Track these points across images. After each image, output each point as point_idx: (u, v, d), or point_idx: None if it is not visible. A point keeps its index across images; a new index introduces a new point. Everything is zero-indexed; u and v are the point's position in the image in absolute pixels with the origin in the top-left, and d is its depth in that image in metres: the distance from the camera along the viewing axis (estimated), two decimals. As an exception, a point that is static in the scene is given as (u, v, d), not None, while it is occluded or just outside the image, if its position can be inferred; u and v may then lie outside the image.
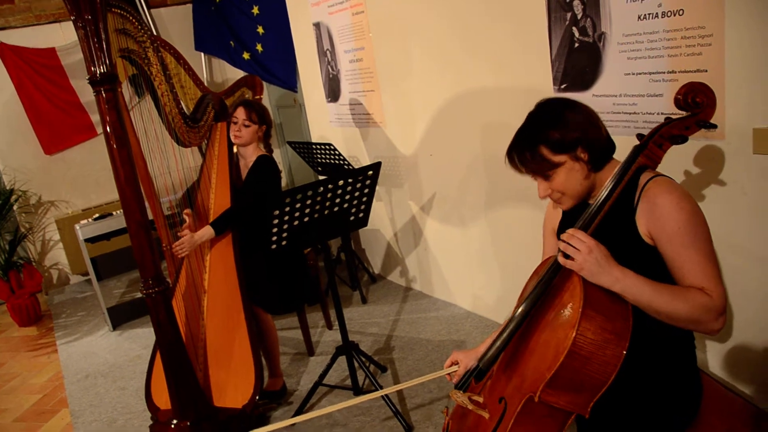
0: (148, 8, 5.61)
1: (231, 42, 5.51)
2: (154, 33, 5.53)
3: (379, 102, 3.78)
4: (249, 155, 3.12)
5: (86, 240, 4.23)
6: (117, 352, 4.02)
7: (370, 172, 2.52)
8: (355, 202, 2.56)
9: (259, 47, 5.27)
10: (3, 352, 4.51)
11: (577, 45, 2.41)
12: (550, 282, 1.41)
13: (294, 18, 4.42)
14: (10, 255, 4.85)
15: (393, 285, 4.23)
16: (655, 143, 1.39)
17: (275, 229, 2.35)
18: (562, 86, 2.53)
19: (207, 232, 2.87)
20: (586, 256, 1.30)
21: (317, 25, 4.14)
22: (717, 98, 1.39)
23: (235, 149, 3.16)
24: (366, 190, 2.56)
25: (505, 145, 1.50)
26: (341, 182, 2.43)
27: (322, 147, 3.73)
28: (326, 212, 2.49)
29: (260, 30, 5.19)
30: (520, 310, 1.43)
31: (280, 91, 5.59)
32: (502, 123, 2.87)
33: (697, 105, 1.36)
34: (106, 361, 3.91)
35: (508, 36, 2.74)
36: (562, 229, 1.59)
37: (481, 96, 3.00)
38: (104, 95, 2.02)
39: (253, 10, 5.17)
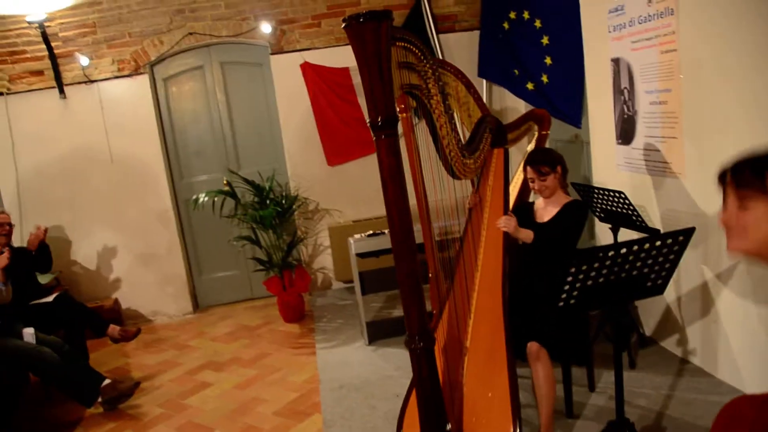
0: (437, 33, 5.77)
1: (515, 70, 5.43)
2: (440, 58, 5.66)
3: (681, 151, 3.39)
4: (556, 203, 3.12)
5: (357, 254, 4.44)
6: (370, 368, 4.14)
7: (681, 238, 2.22)
8: (656, 267, 2.27)
9: (544, 78, 5.12)
10: (269, 343, 4.93)
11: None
12: None
13: (590, 51, 4.19)
14: (287, 255, 5.31)
15: (667, 353, 3.78)
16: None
17: (567, 286, 2.17)
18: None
19: (528, 235, 2.98)
20: None
21: (616, 61, 3.87)
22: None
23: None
24: (671, 257, 2.26)
25: None
26: (647, 245, 2.17)
27: (611, 194, 3.44)
28: (623, 274, 2.24)
29: (548, 61, 5.04)
30: None
31: (559, 124, 5.37)
32: None
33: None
34: (360, 375, 4.04)
35: None
36: None
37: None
38: (384, 140, 1.98)
39: (542, 40, 5.03)
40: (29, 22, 5.11)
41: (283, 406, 3.81)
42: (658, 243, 2.18)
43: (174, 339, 5.34)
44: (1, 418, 3.66)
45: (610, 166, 4.10)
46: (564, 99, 4.89)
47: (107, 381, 4.09)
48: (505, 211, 3.03)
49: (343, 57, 5.70)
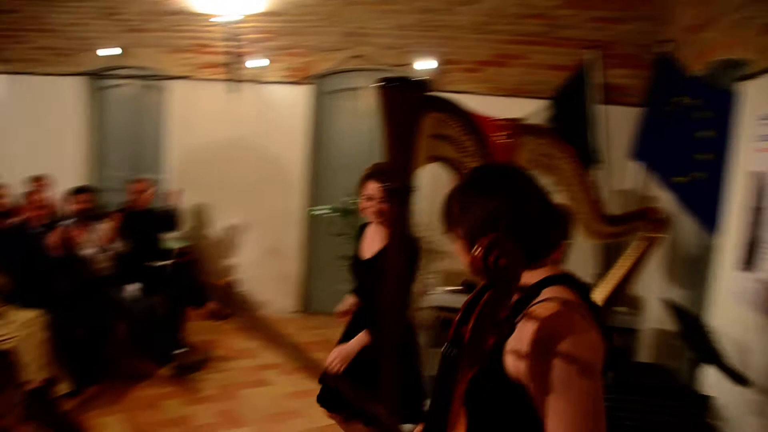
0: (604, 103, 5.47)
1: (670, 158, 4.99)
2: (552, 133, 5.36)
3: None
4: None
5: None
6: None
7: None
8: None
9: (699, 174, 4.64)
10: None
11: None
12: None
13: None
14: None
15: None
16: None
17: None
18: None
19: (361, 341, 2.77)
20: None
21: (758, 175, 3.41)
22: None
23: None
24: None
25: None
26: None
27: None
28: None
29: (709, 156, 4.56)
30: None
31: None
32: None
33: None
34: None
35: None
36: None
37: None
38: (394, 207, 2.02)
39: (708, 133, 4.57)
40: (218, 23, 5.73)
41: (313, 427, 3.85)
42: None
43: (267, 333, 5.62)
44: (90, 351, 4.14)
45: (726, 291, 3.61)
46: (706, 202, 4.40)
47: (183, 350, 4.45)
48: None
49: (498, 107, 5.62)
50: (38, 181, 5.02)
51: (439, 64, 5.68)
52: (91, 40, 6.29)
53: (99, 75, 6.53)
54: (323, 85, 6.10)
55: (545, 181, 3.23)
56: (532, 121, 4.24)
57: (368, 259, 2.83)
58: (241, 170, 6.14)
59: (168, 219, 5.42)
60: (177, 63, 6.18)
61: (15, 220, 4.36)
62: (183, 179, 6.11)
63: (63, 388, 3.78)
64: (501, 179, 1.28)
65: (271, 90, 6.00)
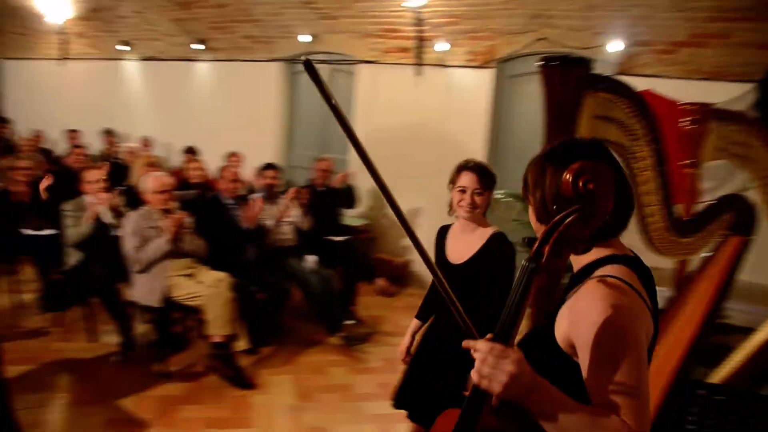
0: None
1: None
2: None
3: None
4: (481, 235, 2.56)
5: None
6: None
7: None
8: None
9: None
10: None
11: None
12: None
13: None
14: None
15: None
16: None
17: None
18: None
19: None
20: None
21: None
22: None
23: None
24: None
25: None
26: None
27: None
28: None
29: None
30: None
31: None
32: None
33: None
34: None
35: None
36: None
37: None
38: None
39: None
40: (406, 8, 5.84)
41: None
42: None
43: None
44: (268, 315, 4.53)
45: None
46: None
47: (353, 322, 4.68)
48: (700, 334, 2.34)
49: (694, 92, 5.13)
50: (233, 156, 5.54)
51: (628, 46, 5.30)
52: (288, 28, 6.78)
53: (294, 61, 7.01)
54: (506, 69, 5.98)
55: (738, 173, 2.92)
56: (731, 106, 3.81)
57: (460, 265, 2.55)
58: (422, 153, 6.25)
59: (348, 197, 5.71)
60: (366, 48, 6.44)
61: (212, 191, 4.86)
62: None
63: (241, 344, 4.16)
64: (578, 155, 1.24)
65: (454, 74, 6.03)
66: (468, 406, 1.20)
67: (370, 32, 6.38)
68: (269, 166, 5.09)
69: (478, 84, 5.96)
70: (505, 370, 1.10)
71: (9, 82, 10.83)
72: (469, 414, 1.20)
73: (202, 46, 7.51)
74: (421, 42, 6.01)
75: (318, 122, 7.11)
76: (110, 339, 4.26)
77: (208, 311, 3.86)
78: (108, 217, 4.27)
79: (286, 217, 4.93)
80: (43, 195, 4.80)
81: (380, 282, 5.38)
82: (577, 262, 1.33)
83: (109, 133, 7.92)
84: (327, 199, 5.48)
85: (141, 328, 4.29)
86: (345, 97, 6.78)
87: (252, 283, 4.38)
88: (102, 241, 4.15)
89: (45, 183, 4.82)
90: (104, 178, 4.39)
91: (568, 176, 1.14)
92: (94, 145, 8.27)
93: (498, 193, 5.42)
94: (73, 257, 4.26)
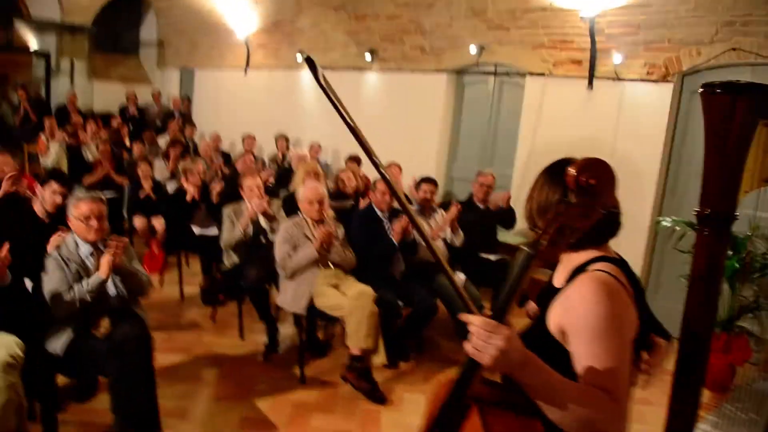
0: None
1: None
2: None
3: None
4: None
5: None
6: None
7: None
8: None
9: None
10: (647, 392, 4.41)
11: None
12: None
13: None
14: (736, 317, 4.50)
15: None
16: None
17: None
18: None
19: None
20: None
21: None
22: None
23: None
24: None
25: None
26: None
27: None
28: None
29: None
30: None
31: None
32: None
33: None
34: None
35: None
36: None
37: None
38: (704, 236, 1.71)
39: None
40: (582, 18, 5.50)
41: None
42: None
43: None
44: (411, 330, 4.48)
45: None
46: None
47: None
48: None
49: None
50: (390, 168, 5.54)
51: None
52: (457, 39, 6.69)
53: (462, 72, 6.91)
54: (688, 83, 5.42)
55: None
56: None
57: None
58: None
59: (508, 217, 5.49)
60: (536, 59, 6.17)
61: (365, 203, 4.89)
62: (527, 175, 6.11)
63: (378, 360, 4.13)
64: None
65: (628, 88, 5.57)
66: (461, 375, 1.35)
67: (541, 43, 6.11)
68: (426, 180, 5.02)
69: (654, 99, 5.45)
70: (495, 344, 1.21)
71: (198, 90, 11.89)
72: (461, 383, 1.35)
73: (371, 57, 7.66)
74: (595, 53, 5.63)
75: (483, 135, 6.95)
76: (257, 338, 4.43)
77: (349, 323, 3.87)
78: (263, 223, 4.44)
79: (440, 233, 4.83)
80: (215, 199, 5.14)
81: (532, 305, 5.06)
82: (571, 262, 1.49)
83: (282, 138, 8.34)
84: (483, 216, 5.31)
85: (287, 330, 4.42)
86: (512, 109, 6.57)
87: (398, 298, 4.33)
88: (256, 245, 4.33)
89: (216, 188, 5.16)
90: (261, 185, 4.59)
91: (572, 170, 1.27)
92: (269, 148, 8.78)
93: (671, 220, 4.91)
94: (233, 257, 4.49)
